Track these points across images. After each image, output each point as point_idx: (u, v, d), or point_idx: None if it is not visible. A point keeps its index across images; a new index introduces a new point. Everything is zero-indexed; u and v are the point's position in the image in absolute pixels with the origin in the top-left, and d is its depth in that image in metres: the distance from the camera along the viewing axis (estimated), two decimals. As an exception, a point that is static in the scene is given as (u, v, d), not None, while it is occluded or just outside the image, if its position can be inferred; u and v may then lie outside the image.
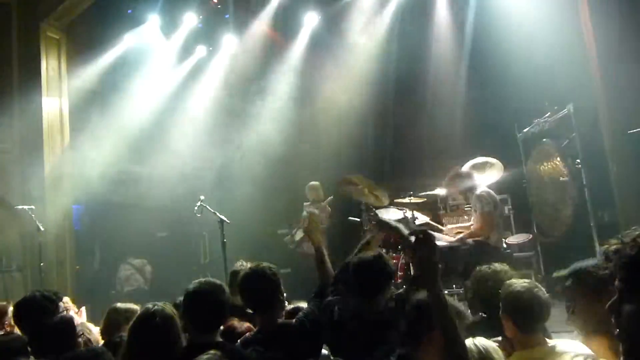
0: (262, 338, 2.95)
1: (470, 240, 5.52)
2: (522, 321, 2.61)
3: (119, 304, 3.88)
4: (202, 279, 2.95)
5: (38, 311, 3.27)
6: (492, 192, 5.72)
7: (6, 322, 4.04)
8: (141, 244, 9.32)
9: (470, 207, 6.09)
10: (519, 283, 2.75)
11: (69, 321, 3.07)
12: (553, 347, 2.57)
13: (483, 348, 2.33)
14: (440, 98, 8.49)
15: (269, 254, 8.50)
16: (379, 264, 3.18)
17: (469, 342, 2.34)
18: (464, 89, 8.27)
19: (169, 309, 2.80)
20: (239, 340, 3.12)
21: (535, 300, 2.62)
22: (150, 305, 2.80)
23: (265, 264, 3.14)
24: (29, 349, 2.92)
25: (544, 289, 2.72)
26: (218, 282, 2.91)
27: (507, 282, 2.83)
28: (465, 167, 6.09)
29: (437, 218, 7.05)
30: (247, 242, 7.95)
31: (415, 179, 7.83)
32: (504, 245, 5.80)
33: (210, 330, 2.77)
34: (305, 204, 8.11)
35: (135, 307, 3.95)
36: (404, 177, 8.15)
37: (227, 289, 2.86)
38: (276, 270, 3.13)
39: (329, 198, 8.04)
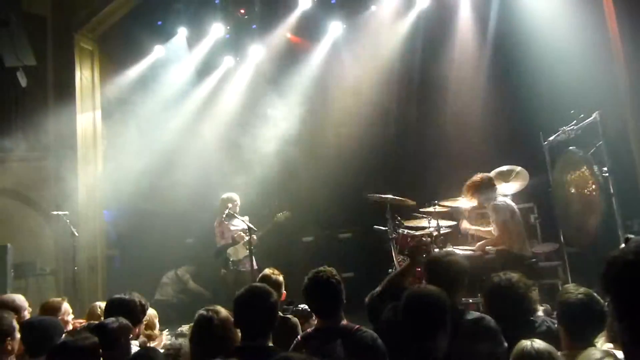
0: (323, 334, 3.07)
1: (492, 249, 5.52)
2: (576, 331, 2.60)
3: None
4: (248, 286, 3.02)
5: (129, 313, 3.41)
6: (508, 201, 5.70)
7: (60, 318, 4.17)
8: (170, 251, 9.49)
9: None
10: (575, 293, 2.71)
11: (126, 326, 3.22)
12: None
13: (541, 351, 2.32)
14: (464, 106, 8.48)
15: (293, 261, 8.61)
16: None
17: (526, 343, 2.34)
18: (489, 97, 8.23)
19: (223, 311, 2.98)
20: (299, 336, 3.27)
21: (590, 311, 2.59)
22: (204, 312, 2.99)
23: (328, 269, 3.21)
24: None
25: (601, 300, 2.67)
26: (264, 288, 2.96)
27: (564, 288, 2.80)
28: (489, 175, 6.03)
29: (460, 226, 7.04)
30: (272, 249, 8.03)
31: (441, 187, 7.83)
32: (529, 255, 5.77)
33: (259, 336, 2.80)
34: (217, 219, 7.36)
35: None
36: (429, 185, 8.14)
37: (273, 294, 2.91)
38: (339, 276, 3.21)
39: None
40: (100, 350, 2.97)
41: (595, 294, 2.74)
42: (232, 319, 2.95)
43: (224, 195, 7.32)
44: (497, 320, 2.98)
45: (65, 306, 4.37)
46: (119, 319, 3.16)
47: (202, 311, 3.01)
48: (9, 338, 3.22)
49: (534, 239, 7.23)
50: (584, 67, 6.90)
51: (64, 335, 3.42)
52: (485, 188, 5.64)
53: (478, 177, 5.75)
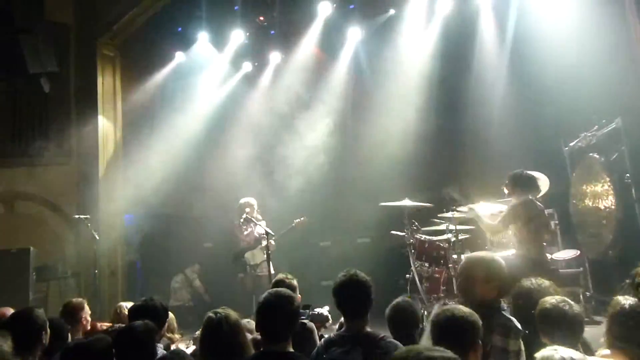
0: (346, 340, 3.04)
1: (512, 255, 5.48)
2: (553, 336, 2.60)
3: None
4: (273, 290, 3.01)
5: (153, 318, 3.42)
6: (535, 204, 5.62)
7: (82, 317, 4.23)
8: (189, 255, 9.57)
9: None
10: (548, 299, 2.74)
11: (153, 329, 3.21)
12: None
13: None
14: (485, 112, 8.41)
15: (310, 266, 8.63)
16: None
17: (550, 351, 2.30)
18: (510, 102, 8.16)
19: (233, 314, 2.96)
20: (322, 340, 3.25)
21: (563, 316, 2.61)
22: (212, 315, 2.96)
23: (359, 272, 3.19)
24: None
25: (574, 304, 2.68)
26: (288, 292, 2.95)
27: (541, 299, 2.81)
28: (536, 175, 5.97)
29: (479, 232, 6.98)
30: (290, 254, 8.05)
31: (460, 193, 7.78)
32: (547, 260, 5.69)
33: (281, 340, 2.80)
34: (235, 222, 7.47)
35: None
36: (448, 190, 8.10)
37: (297, 299, 2.92)
38: (369, 279, 3.18)
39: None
40: (114, 351, 2.97)
41: (567, 300, 2.75)
42: (242, 323, 2.96)
43: (242, 200, 7.39)
44: (524, 324, 2.95)
45: (86, 306, 4.45)
46: (145, 322, 3.14)
47: (210, 314, 2.98)
48: (43, 332, 3.40)
49: (554, 245, 7.14)
50: (606, 72, 6.81)
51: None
52: (527, 184, 5.59)
53: (524, 171, 5.72)
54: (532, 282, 3.19)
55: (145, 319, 3.26)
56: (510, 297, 3.23)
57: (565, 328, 2.62)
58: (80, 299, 4.51)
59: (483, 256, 3.43)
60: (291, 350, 2.84)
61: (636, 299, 2.73)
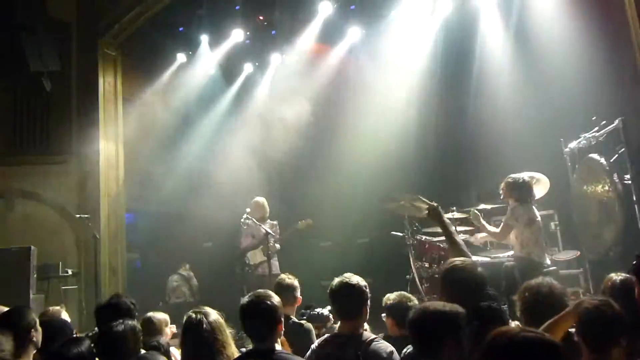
0: (340, 339, 3.07)
1: (512, 257, 5.51)
2: (592, 340, 2.43)
3: (150, 313, 4.20)
4: (252, 293, 3.02)
5: (123, 315, 3.36)
6: (533, 207, 5.65)
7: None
8: (188, 255, 9.57)
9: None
10: (587, 300, 2.59)
11: (135, 328, 3.15)
12: None
13: None
14: (485, 113, 8.41)
15: (310, 266, 8.63)
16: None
17: None
18: (509, 103, 8.16)
19: (213, 313, 2.99)
20: (316, 342, 3.27)
21: (603, 319, 2.43)
22: (192, 314, 2.99)
23: (354, 276, 3.19)
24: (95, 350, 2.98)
25: (616, 306, 2.50)
26: (266, 292, 2.99)
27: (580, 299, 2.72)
28: (531, 177, 5.99)
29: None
30: (290, 254, 8.05)
31: (460, 194, 7.79)
32: (548, 262, 5.71)
33: (265, 338, 2.84)
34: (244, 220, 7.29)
35: (165, 315, 4.28)
36: (448, 192, 8.09)
37: (276, 296, 2.95)
38: (362, 283, 3.17)
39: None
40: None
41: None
42: (222, 321, 3.00)
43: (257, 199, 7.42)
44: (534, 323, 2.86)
45: (64, 315, 4.26)
46: (124, 321, 3.05)
47: (190, 313, 3.02)
48: (32, 330, 3.31)
49: (554, 246, 7.15)
50: (607, 72, 6.81)
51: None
52: (523, 188, 5.63)
53: (520, 175, 5.74)
54: (542, 282, 3.07)
55: (112, 318, 3.19)
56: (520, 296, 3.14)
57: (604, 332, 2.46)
58: (57, 307, 4.33)
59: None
60: (278, 348, 2.89)
61: (627, 275, 2.89)
